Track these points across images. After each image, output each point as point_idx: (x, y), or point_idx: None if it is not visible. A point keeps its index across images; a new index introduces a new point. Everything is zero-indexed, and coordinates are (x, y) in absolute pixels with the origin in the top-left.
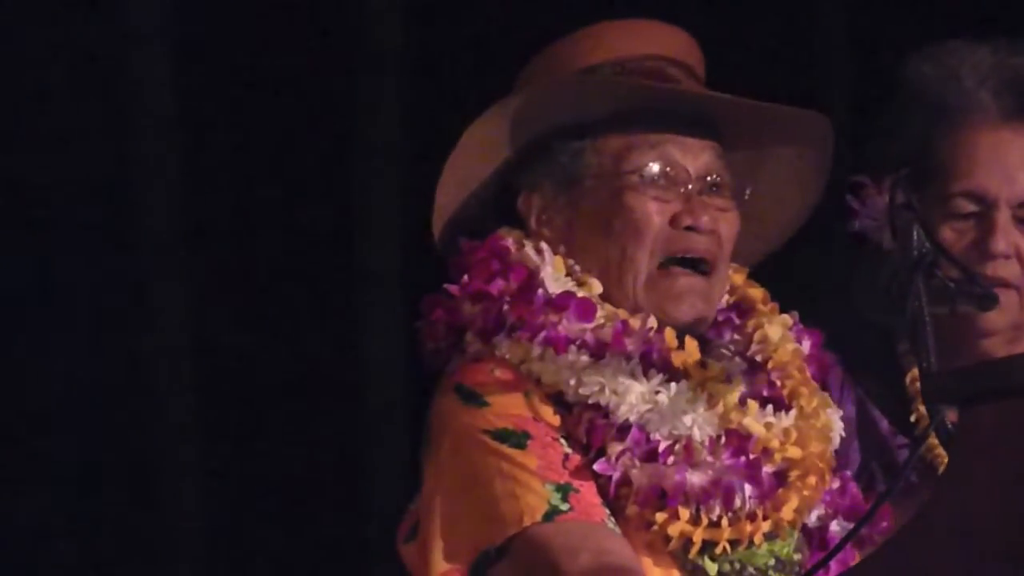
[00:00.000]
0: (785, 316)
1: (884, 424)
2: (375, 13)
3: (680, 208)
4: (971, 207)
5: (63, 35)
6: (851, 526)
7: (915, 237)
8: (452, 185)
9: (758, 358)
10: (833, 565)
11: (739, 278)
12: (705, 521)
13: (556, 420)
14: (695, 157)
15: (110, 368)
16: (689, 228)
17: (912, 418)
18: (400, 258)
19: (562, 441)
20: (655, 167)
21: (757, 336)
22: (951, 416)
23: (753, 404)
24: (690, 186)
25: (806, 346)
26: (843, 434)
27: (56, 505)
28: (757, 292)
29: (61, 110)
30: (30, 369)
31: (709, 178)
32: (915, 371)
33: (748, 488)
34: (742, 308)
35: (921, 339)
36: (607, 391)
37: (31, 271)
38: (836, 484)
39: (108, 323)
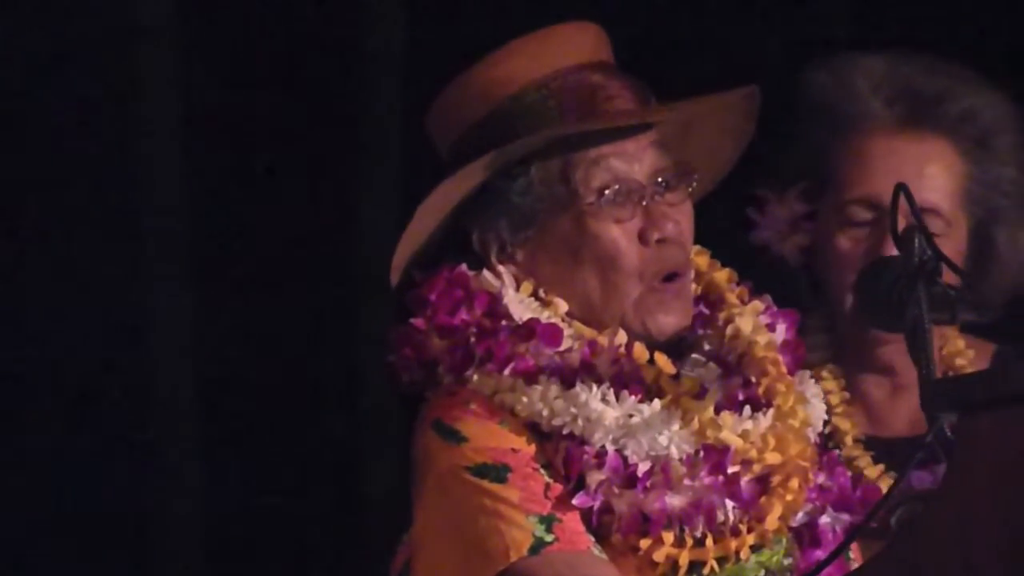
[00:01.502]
0: (756, 303)
1: None
2: (378, 12)
3: (643, 222)
4: (866, 214)
5: (67, 30)
6: (841, 516)
7: (917, 245)
8: (408, 243)
9: (731, 357)
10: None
11: (702, 260)
12: (690, 542)
13: (534, 449)
14: (640, 162)
15: (110, 367)
16: (659, 240)
17: (826, 430)
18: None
19: (542, 471)
20: (608, 190)
21: (729, 330)
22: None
23: (728, 417)
24: (644, 199)
25: (781, 331)
26: (826, 417)
27: (44, 493)
28: (722, 275)
29: (64, 106)
30: (28, 364)
31: (659, 179)
32: (824, 384)
33: (729, 504)
34: (710, 298)
35: (921, 347)
36: (580, 420)
37: (32, 268)
38: (821, 478)
39: (109, 320)
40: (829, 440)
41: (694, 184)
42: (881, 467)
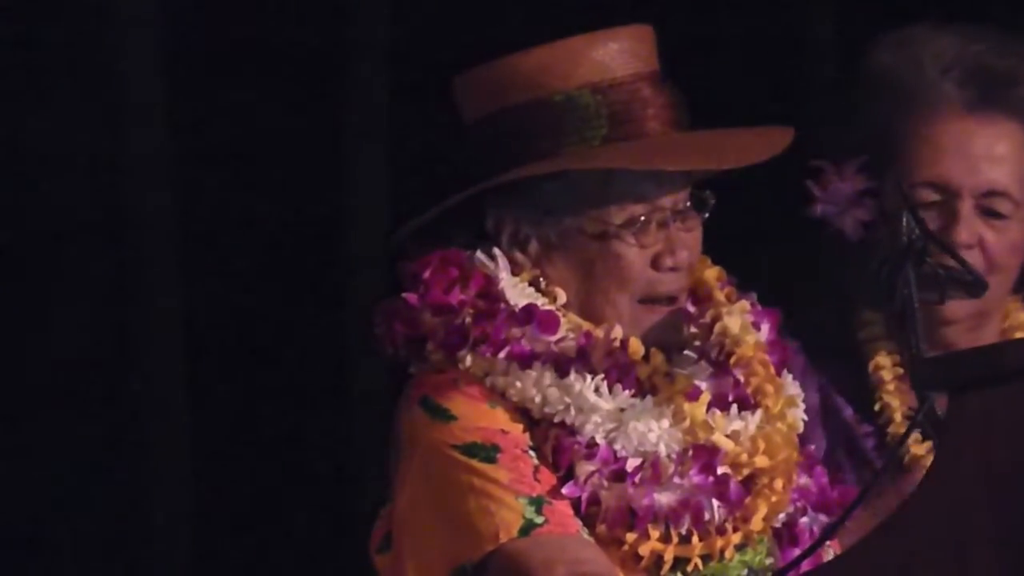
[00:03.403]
0: (743, 302)
1: (848, 411)
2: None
3: (660, 247)
4: (934, 196)
5: (51, 23)
6: (820, 517)
7: (905, 223)
8: (428, 216)
9: (720, 356)
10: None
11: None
12: (675, 538)
13: (524, 433)
14: (670, 187)
15: (99, 350)
16: (670, 267)
17: (876, 406)
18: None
19: (531, 453)
20: (639, 216)
21: (717, 328)
22: (940, 403)
23: (720, 419)
24: (667, 223)
25: (765, 330)
26: (805, 418)
27: (42, 475)
28: (712, 272)
29: (50, 97)
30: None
31: (681, 206)
32: (878, 359)
33: (716, 503)
34: (698, 296)
35: (910, 326)
36: (572, 410)
37: (22, 263)
38: (803, 479)
39: (100, 312)
40: (879, 416)
41: (710, 212)
42: (929, 443)
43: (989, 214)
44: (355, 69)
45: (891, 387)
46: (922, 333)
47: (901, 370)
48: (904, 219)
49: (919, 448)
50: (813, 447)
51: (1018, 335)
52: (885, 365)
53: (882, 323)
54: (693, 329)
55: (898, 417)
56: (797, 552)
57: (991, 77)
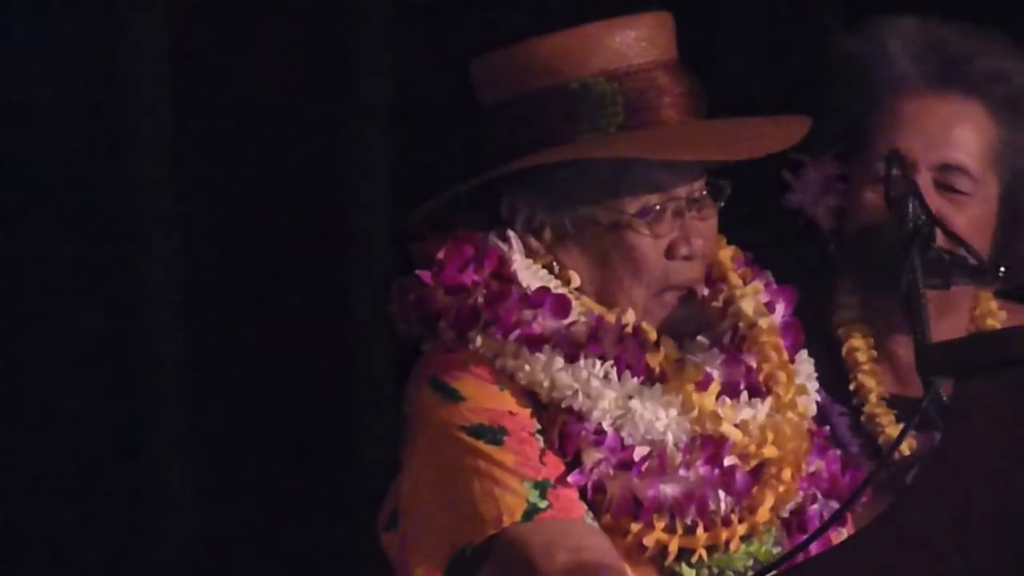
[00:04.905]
0: (756, 283)
1: (821, 394)
2: None
3: (675, 236)
4: (892, 170)
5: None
6: (829, 502)
7: (910, 210)
8: (439, 199)
9: (733, 340)
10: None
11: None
12: (680, 529)
13: (531, 416)
14: (684, 175)
15: (99, 328)
16: (684, 256)
17: (851, 387)
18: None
19: (538, 436)
20: (654, 205)
21: (731, 311)
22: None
23: (729, 408)
24: (683, 213)
25: (780, 311)
26: (819, 399)
27: (43, 447)
28: (727, 252)
29: (53, 90)
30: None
31: (697, 194)
32: (852, 341)
33: (722, 494)
34: (712, 276)
35: (916, 312)
36: (580, 395)
37: (22, 251)
38: (813, 466)
39: (102, 296)
40: (854, 397)
41: (724, 200)
42: (903, 426)
43: (948, 189)
44: (361, 63)
45: (866, 368)
46: (927, 319)
47: (875, 352)
48: (910, 205)
49: (893, 430)
50: (825, 428)
51: (989, 322)
52: (860, 347)
53: (856, 306)
54: (709, 312)
55: (873, 398)
56: None
57: (949, 54)
